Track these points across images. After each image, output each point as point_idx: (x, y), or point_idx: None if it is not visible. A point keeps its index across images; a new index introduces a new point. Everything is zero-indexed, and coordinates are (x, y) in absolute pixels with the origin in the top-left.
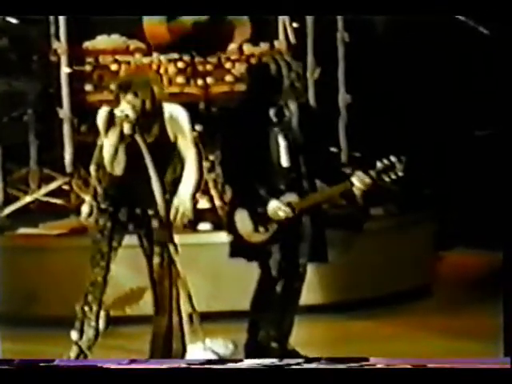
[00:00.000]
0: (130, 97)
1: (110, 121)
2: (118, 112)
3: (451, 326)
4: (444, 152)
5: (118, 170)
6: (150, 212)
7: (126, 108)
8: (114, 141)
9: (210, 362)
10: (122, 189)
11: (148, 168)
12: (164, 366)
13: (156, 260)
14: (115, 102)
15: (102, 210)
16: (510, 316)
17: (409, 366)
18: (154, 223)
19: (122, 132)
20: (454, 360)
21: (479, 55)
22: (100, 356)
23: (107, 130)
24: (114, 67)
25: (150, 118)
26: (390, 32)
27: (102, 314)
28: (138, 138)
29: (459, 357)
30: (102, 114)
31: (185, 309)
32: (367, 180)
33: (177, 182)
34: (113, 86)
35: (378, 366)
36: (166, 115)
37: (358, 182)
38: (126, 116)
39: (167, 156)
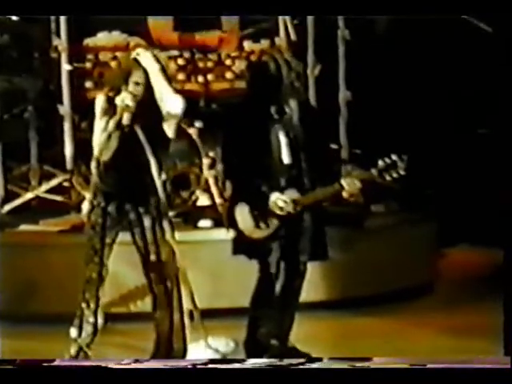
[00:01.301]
0: (131, 86)
1: (108, 107)
2: (118, 101)
3: (453, 324)
4: (445, 149)
5: (106, 156)
6: (141, 210)
7: (126, 97)
8: (110, 128)
9: (213, 361)
10: (114, 184)
11: (148, 158)
12: (167, 366)
13: (152, 257)
14: (115, 91)
15: (94, 205)
16: (510, 315)
17: (409, 366)
18: (148, 220)
19: (120, 121)
20: (454, 360)
21: (481, 53)
22: (101, 353)
23: (103, 115)
24: (114, 64)
25: (149, 106)
26: (390, 29)
27: (100, 310)
28: (137, 128)
29: (462, 354)
30: (100, 100)
31: (186, 306)
32: (357, 184)
33: (177, 179)
34: (113, 76)
35: (381, 365)
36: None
37: (348, 185)
38: (127, 106)
39: (165, 147)
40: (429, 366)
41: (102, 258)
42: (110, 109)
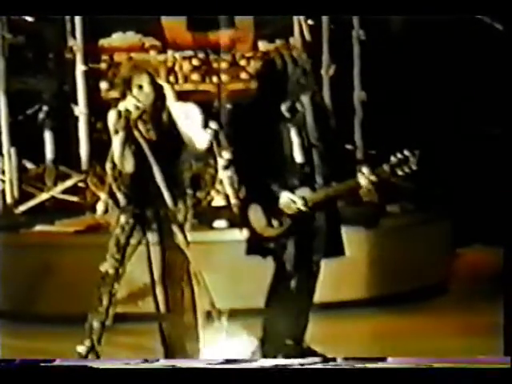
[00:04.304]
0: (135, 90)
1: (119, 121)
2: (121, 108)
3: (468, 323)
4: (460, 149)
5: (128, 167)
6: (158, 214)
7: (129, 103)
8: (120, 138)
9: (227, 361)
10: (141, 186)
11: (151, 164)
12: (177, 366)
13: (170, 257)
14: (122, 99)
15: (124, 208)
16: (510, 315)
17: (408, 365)
18: (162, 223)
19: (126, 128)
20: (454, 359)
21: (495, 52)
22: (111, 353)
23: (116, 129)
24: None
25: (156, 110)
26: (405, 29)
27: (112, 308)
28: (136, 133)
29: (476, 354)
30: (111, 115)
31: (201, 306)
32: (372, 178)
33: (192, 180)
34: (118, 83)
35: (395, 365)
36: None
37: (363, 179)
38: (127, 111)
39: (177, 150)
40: (427, 365)
41: (124, 256)
42: (121, 122)
